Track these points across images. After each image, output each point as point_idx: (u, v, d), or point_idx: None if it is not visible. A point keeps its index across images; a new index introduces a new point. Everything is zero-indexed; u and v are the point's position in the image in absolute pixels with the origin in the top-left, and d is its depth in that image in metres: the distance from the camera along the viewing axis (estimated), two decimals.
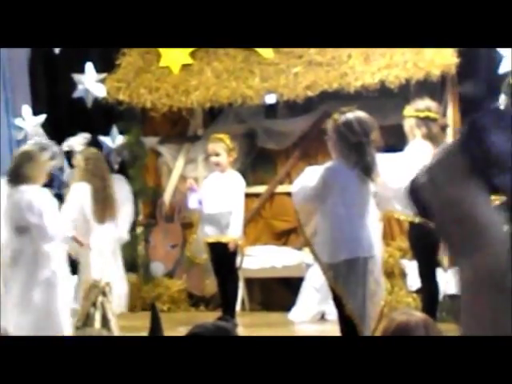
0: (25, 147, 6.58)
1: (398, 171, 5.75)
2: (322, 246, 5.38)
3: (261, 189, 8.79)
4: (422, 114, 6.30)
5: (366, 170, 5.36)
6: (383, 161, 6.05)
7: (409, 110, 6.42)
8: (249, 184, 8.80)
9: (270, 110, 8.69)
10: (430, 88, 7.54)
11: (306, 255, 8.12)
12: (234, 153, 7.38)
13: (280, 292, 8.36)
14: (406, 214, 5.97)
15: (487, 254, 1.11)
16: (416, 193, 1.18)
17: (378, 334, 4.95)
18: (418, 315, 2.73)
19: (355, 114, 5.43)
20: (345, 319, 5.34)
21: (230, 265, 7.16)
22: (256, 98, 8.17)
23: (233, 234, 7.11)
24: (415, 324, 2.65)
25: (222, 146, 7.30)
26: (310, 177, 5.45)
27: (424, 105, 6.38)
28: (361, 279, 5.26)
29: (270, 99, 8.22)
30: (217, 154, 7.30)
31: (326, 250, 5.34)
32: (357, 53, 7.80)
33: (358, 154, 5.33)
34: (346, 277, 5.24)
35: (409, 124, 6.41)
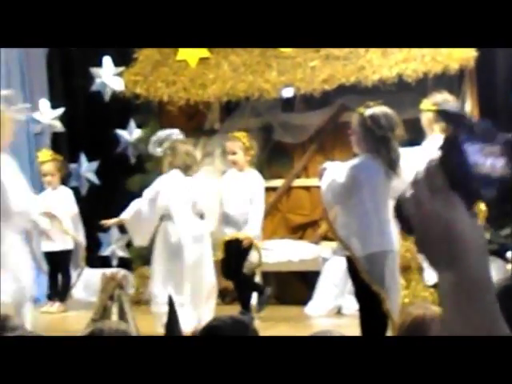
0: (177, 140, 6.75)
1: (416, 166, 5.71)
2: (348, 240, 5.36)
3: (277, 183, 8.79)
4: (440, 108, 6.27)
5: (392, 164, 5.34)
6: (402, 155, 6.03)
7: (426, 104, 6.40)
8: (265, 178, 8.78)
9: (287, 104, 8.67)
10: (448, 82, 7.51)
11: (322, 249, 8.12)
12: (252, 151, 7.33)
13: (296, 286, 8.35)
14: None
15: (467, 267, 1.11)
16: (400, 208, 1.19)
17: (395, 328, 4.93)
18: (435, 309, 2.72)
19: (382, 109, 5.41)
20: (366, 314, 5.31)
21: (241, 261, 7.13)
22: (273, 91, 8.16)
23: (250, 231, 7.09)
24: (431, 318, 2.64)
25: (238, 145, 7.25)
26: (337, 175, 5.41)
27: (442, 98, 6.35)
28: (388, 272, 5.24)
29: (287, 93, 8.21)
30: (234, 153, 7.26)
31: (353, 244, 5.31)
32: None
33: (383, 148, 5.32)
34: (380, 271, 5.22)
35: (426, 118, 6.39)
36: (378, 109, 5.41)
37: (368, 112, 5.38)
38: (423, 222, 1.15)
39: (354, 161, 5.41)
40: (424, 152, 6.04)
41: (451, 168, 1.15)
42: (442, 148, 1.20)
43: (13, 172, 5.99)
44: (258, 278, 7.73)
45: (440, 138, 6.18)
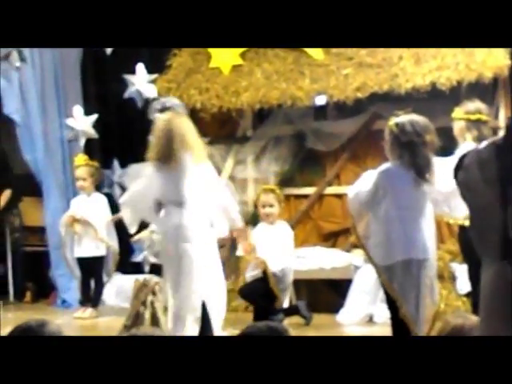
0: None
1: (448, 175, 5.68)
2: (375, 249, 5.37)
3: (309, 190, 8.79)
4: (473, 117, 6.24)
5: (419, 171, 5.33)
6: (433, 162, 6.00)
7: (459, 113, 6.37)
8: (297, 185, 8.81)
9: (320, 112, 8.67)
10: (482, 90, 7.47)
11: (354, 257, 8.10)
12: (283, 203, 7.47)
13: (328, 294, 8.34)
14: (455, 217, 5.93)
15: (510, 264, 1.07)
16: (458, 170, 1.14)
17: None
18: (474, 319, 2.70)
19: (409, 116, 5.43)
20: (397, 322, 5.30)
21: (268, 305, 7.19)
22: (306, 99, 8.16)
23: (271, 262, 7.12)
24: (470, 327, 2.62)
25: (274, 197, 7.33)
26: (364, 182, 5.42)
27: (474, 107, 6.32)
28: (415, 282, 5.23)
29: (320, 101, 8.20)
30: (271, 205, 7.32)
31: (380, 252, 5.32)
32: (408, 54, 7.76)
33: (409, 154, 5.32)
34: (401, 279, 5.22)
35: (459, 127, 6.36)
36: (405, 116, 5.43)
37: (394, 120, 5.40)
38: (474, 207, 1.13)
39: (381, 168, 5.42)
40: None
41: (506, 163, 1.11)
42: (502, 140, 1.16)
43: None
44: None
45: (473, 146, 6.15)
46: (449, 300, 7.49)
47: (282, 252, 7.20)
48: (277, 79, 8.32)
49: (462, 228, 6.05)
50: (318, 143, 8.70)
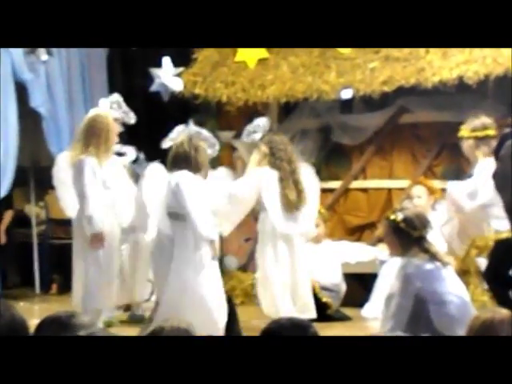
0: None
1: (472, 196, 5.83)
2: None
3: (335, 184, 8.76)
4: (480, 134, 6.27)
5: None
6: (457, 188, 6.06)
7: (465, 131, 6.40)
8: (323, 179, 8.77)
9: (346, 105, 8.64)
10: (509, 84, 7.42)
11: (379, 251, 8.07)
12: (329, 223, 7.68)
13: (353, 288, 8.31)
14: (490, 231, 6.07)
15: None
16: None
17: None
18: (504, 312, 2.68)
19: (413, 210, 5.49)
20: None
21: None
22: (332, 92, 8.13)
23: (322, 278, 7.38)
24: (501, 321, 2.59)
25: (319, 217, 7.50)
26: None
27: (481, 123, 6.35)
28: None
29: (346, 94, 8.17)
30: (316, 225, 7.49)
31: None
32: (435, 48, 7.70)
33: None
34: None
35: (468, 145, 6.38)
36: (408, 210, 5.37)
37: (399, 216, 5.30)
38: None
39: None
40: (477, 181, 6.11)
41: None
42: None
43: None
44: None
45: (487, 161, 6.13)
46: (475, 295, 7.43)
47: (330, 269, 7.50)
48: (303, 72, 8.30)
49: (497, 242, 6.08)
50: (343, 137, 8.68)
